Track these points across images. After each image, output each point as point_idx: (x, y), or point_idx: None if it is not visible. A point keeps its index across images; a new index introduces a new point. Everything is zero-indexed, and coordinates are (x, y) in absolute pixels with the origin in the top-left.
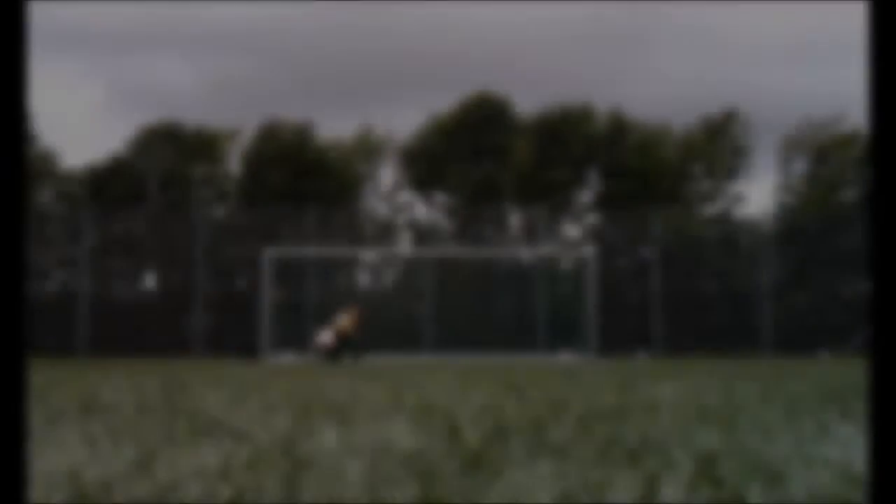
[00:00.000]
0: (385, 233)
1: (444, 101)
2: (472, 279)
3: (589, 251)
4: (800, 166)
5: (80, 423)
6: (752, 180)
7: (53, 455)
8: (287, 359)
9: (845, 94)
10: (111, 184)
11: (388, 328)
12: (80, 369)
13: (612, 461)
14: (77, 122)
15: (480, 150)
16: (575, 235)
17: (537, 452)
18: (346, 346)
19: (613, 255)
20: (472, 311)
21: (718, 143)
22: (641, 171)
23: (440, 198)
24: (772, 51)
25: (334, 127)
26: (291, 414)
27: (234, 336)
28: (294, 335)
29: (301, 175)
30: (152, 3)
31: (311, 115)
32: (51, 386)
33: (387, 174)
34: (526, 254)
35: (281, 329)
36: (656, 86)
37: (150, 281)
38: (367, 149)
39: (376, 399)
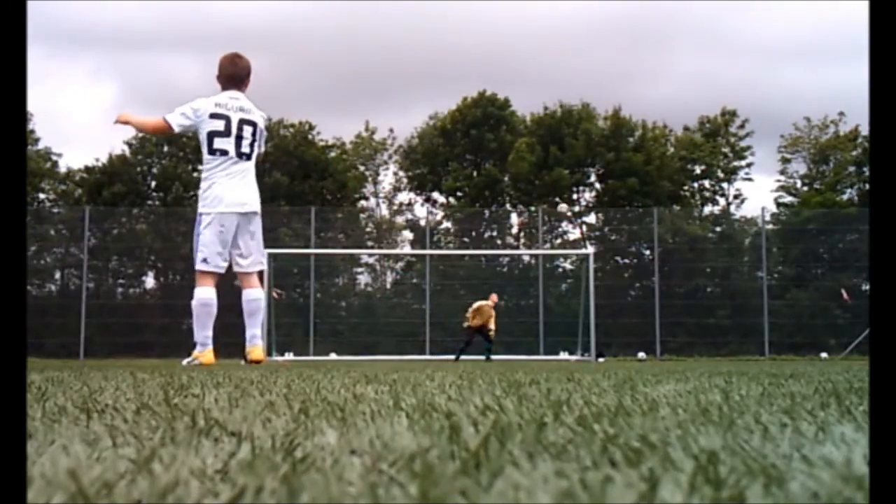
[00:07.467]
0: (385, 233)
1: (444, 101)
2: (472, 279)
3: (589, 251)
4: (800, 166)
5: (80, 423)
6: (752, 180)
7: (53, 455)
8: (287, 359)
9: (845, 94)
10: (111, 184)
11: (388, 328)
12: (80, 369)
13: (612, 461)
14: (89, 122)
15: (480, 150)
16: (575, 235)
17: (537, 452)
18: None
19: (613, 255)
20: None
21: (718, 143)
22: (641, 171)
23: (440, 198)
24: (772, 51)
25: (335, 127)
26: (291, 414)
27: (233, 336)
28: (294, 335)
29: (301, 175)
30: (159, 4)
31: (312, 116)
32: (51, 386)
33: (387, 174)
34: (526, 254)
35: (281, 329)
36: (656, 86)
37: (150, 281)
38: (368, 149)
39: (376, 399)
